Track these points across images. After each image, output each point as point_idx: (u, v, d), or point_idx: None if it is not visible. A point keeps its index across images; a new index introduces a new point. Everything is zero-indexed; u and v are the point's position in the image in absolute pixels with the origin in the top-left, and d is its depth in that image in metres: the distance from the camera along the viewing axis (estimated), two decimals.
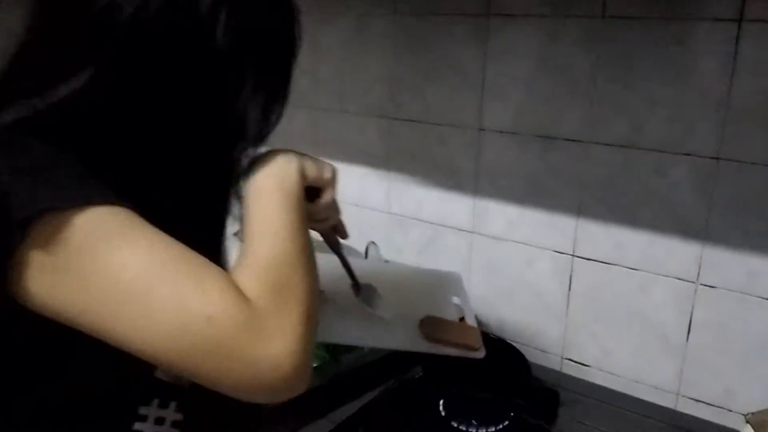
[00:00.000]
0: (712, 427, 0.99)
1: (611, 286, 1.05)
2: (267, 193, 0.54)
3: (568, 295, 1.10)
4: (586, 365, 1.11)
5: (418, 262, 1.27)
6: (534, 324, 1.15)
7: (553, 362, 1.14)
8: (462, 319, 0.98)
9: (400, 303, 0.95)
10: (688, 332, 0.99)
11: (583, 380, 1.11)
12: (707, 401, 1.00)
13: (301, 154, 0.60)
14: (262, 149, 0.58)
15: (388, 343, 0.91)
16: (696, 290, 0.98)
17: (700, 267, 0.96)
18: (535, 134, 1.08)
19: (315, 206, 0.63)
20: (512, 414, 0.95)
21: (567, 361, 1.13)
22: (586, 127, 1.02)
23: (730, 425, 0.96)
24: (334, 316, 0.88)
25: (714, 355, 0.98)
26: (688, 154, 0.94)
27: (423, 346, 0.89)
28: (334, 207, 0.67)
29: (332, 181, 0.64)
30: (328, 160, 0.64)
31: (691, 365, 1.00)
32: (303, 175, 0.58)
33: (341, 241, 0.79)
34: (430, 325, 0.92)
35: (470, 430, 0.93)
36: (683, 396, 1.02)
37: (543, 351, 1.15)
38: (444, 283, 1.08)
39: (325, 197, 0.64)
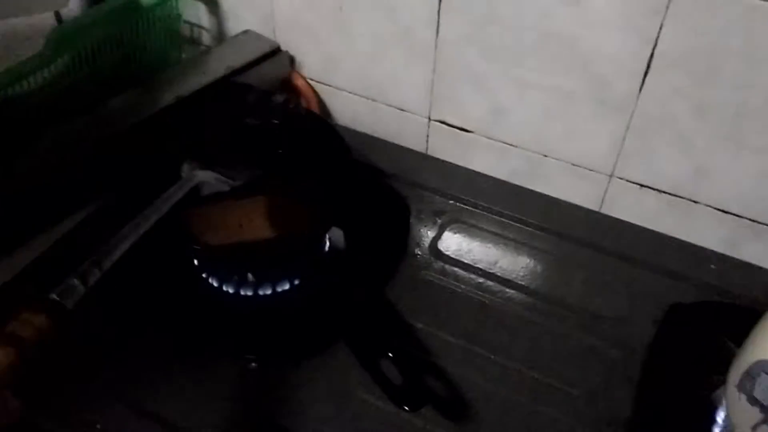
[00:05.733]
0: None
1: None
2: None
3: (439, 9, 0.59)
4: (466, 130, 0.66)
5: None
6: (383, 61, 0.65)
7: (414, 132, 0.68)
8: None
9: None
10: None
11: (458, 167, 0.67)
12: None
13: None
14: None
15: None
16: None
17: None
18: None
19: None
20: (312, 261, 0.55)
21: (436, 124, 0.67)
22: None
23: None
24: None
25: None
26: None
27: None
28: None
29: None
30: None
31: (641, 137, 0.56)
32: None
33: None
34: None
35: (241, 290, 0.54)
36: (646, 188, 0.60)
37: (399, 109, 0.68)
38: None
39: None
